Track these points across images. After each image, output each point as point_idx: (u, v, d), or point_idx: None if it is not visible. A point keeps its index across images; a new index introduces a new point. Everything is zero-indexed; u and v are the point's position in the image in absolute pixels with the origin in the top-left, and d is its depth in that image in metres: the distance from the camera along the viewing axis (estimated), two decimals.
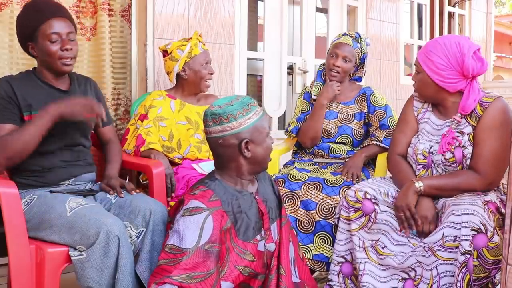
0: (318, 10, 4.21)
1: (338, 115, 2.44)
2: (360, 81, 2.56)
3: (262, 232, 1.65)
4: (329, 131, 2.42)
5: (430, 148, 1.87)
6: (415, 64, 1.90)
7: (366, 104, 2.43)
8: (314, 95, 2.48)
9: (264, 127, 1.62)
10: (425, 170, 1.89)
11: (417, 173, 1.90)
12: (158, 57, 2.71)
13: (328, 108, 2.44)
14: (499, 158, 1.75)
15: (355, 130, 2.41)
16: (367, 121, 2.43)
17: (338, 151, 2.40)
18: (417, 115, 1.98)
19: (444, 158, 1.81)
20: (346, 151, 2.40)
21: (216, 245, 1.51)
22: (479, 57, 1.80)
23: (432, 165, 1.87)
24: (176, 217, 1.54)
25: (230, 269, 1.55)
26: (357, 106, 2.44)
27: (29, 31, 1.80)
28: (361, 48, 2.41)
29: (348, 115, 2.43)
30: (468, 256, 1.55)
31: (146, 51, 2.72)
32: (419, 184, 1.77)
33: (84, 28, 2.62)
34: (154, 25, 2.74)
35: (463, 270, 1.55)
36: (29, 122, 1.71)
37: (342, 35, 2.44)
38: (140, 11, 2.76)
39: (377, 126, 2.39)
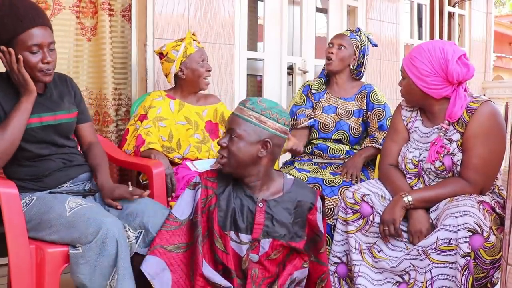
0: (318, 10, 4.21)
1: (337, 109, 2.44)
2: (360, 76, 2.54)
3: (244, 236, 1.63)
4: (327, 125, 2.42)
5: (420, 156, 1.86)
6: (400, 70, 1.89)
7: (365, 101, 2.43)
8: (314, 89, 2.50)
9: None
10: (416, 179, 1.87)
11: (408, 182, 1.88)
12: (158, 57, 2.70)
13: (327, 102, 2.45)
14: (488, 164, 1.74)
15: (352, 127, 2.41)
16: (365, 118, 2.43)
17: (337, 151, 2.40)
18: (407, 124, 1.96)
19: (434, 167, 1.80)
20: (345, 151, 2.40)
21: (198, 215, 1.64)
22: (464, 62, 1.76)
23: (423, 173, 1.85)
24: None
25: (206, 246, 1.64)
26: (357, 103, 2.44)
27: (4, 37, 1.65)
28: (360, 40, 2.43)
29: (347, 111, 2.43)
30: (468, 258, 1.54)
31: (146, 51, 2.72)
32: (408, 199, 1.76)
33: (84, 28, 2.62)
34: (154, 25, 2.74)
35: (465, 273, 1.54)
36: (9, 117, 1.65)
37: (345, 30, 2.54)
38: (140, 11, 2.76)
39: (375, 127, 2.39)
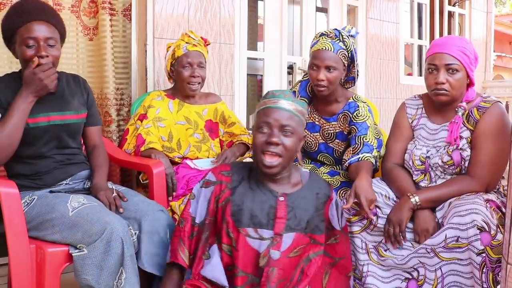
0: (318, 9, 4.21)
1: (321, 130, 2.20)
2: (354, 82, 2.23)
3: (265, 232, 1.56)
4: (310, 144, 2.24)
5: (427, 152, 1.87)
6: (448, 64, 1.79)
7: (347, 124, 2.13)
8: None
9: (262, 120, 1.58)
10: (423, 175, 1.88)
11: (415, 178, 1.89)
12: (158, 57, 2.71)
13: (310, 119, 2.21)
14: (496, 163, 1.76)
15: (336, 151, 2.20)
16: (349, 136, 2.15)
17: (326, 160, 2.27)
18: (412, 121, 1.97)
19: (442, 161, 1.81)
20: (340, 182, 2.14)
21: (211, 218, 1.62)
22: None
23: (430, 169, 1.86)
24: (196, 186, 1.68)
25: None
26: (339, 125, 2.16)
27: (9, 34, 1.70)
28: (346, 46, 2.04)
29: (329, 133, 2.18)
30: (484, 255, 1.55)
31: (146, 50, 2.72)
32: (415, 200, 1.76)
33: (86, 28, 2.62)
34: (154, 25, 2.74)
35: (484, 270, 1.54)
36: (7, 114, 1.65)
37: (320, 36, 2.08)
38: (140, 11, 2.76)
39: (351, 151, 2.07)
